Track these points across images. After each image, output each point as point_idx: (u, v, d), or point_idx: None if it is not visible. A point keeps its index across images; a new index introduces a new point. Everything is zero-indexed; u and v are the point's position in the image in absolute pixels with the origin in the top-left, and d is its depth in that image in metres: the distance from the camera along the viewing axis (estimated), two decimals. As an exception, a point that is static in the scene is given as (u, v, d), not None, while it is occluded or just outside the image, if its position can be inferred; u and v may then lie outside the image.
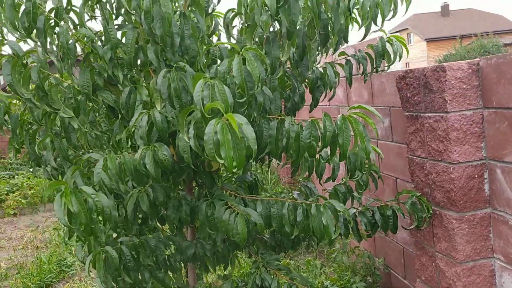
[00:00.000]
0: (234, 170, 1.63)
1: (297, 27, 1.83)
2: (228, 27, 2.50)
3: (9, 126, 2.51)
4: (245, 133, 1.47)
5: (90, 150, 2.74)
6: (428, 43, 39.32)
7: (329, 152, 2.21)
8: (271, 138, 1.99)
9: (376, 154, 2.68)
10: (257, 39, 2.02)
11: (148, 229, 2.75)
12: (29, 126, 2.58)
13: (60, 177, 2.68)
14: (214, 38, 2.70)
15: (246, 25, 2.02)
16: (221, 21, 2.55)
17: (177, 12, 1.94)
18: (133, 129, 1.95)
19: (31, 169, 10.04)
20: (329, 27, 1.97)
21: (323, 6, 1.92)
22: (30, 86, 2.22)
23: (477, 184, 2.40)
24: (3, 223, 7.45)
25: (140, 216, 2.52)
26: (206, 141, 1.51)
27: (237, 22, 2.60)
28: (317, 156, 2.36)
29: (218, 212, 2.25)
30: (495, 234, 2.41)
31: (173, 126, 2.01)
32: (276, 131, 1.99)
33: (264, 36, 1.89)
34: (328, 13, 1.92)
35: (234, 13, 2.49)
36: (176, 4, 2.10)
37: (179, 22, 1.94)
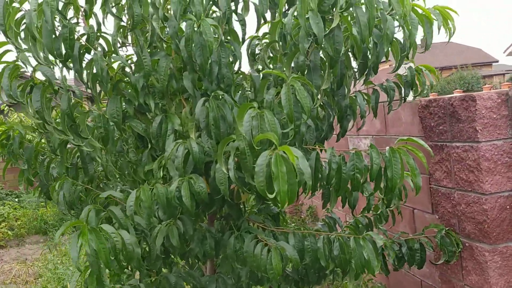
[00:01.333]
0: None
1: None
2: (253, 55, 2.46)
3: (24, 157, 2.41)
4: (301, 167, 1.40)
5: (105, 182, 2.64)
6: (409, 74, 40.03)
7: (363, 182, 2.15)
8: (310, 169, 1.92)
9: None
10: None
11: (165, 265, 2.63)
12: (44, 157, 2.47)
13: (72, 211, 2.56)
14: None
15: (283, 53, 1.98)
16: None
17: (215, 40, 1.89)
18: (167, 160, 1.87)
19: (16, 199, 9.75)
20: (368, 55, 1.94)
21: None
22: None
23: (509, 215, 2.36)
24: (-11, 256, 7.15)
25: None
26: (257, 173, 1.43)
27: (257, 50, 2.57)
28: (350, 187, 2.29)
29: (247, 245, 2.15)
30: (528, 266, 2.35)
31: (208, 157, 1.93)
32: (315, 162, 1.92)
33: (306, 65, 1.84)
34: (369, 43, 1.89)
35: (259, 40, 2.46)
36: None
37: (216, 50, 1.89)
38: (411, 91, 2.43)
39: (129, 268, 2.45)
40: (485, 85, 27.04)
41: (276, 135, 1.52)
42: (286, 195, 1.44)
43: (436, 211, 2.76)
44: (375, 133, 3.72)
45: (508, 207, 2.36)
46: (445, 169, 2.61)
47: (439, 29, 1.94)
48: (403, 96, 2.45)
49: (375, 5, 1.68)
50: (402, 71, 2.59)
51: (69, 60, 1.79)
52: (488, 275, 2.37)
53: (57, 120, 2.11)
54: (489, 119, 2.33)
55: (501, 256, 2.36)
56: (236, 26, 2.22)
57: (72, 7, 2.11)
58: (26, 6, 1.92)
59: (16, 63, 1.89)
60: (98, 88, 2.03)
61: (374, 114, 2.59)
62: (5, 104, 9.70)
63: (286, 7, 2.22)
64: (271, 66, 2.17)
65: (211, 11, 2.33)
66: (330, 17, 1.86)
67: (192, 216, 1.97)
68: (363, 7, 1.72)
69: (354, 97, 2.36)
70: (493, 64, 40.38)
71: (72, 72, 1.86)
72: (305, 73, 1.85)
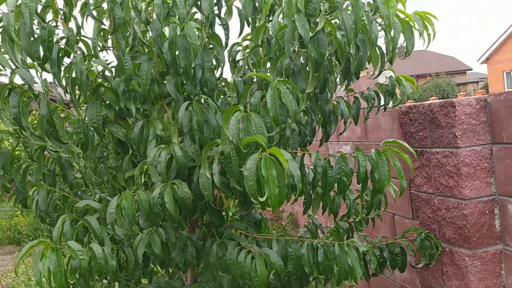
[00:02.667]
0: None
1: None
2: (234, 61, 2.45)
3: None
4: (290, 170, 1.39)
5: (83, 189, 2.58)
6: (386, 82, 40.70)
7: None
8: (299, 171, 1.91)
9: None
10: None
11: (144, 275, 2.57)
12: (21, 163, 2.40)
13: (48, 219, 2.49)
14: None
15: (267, 57, 1.97)
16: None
17: (199, 44, 1.87)
18: (150, 165, 1.83)
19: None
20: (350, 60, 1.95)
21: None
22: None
23: (488, 220, 2.39)
24: (-41, 268, 6.92)
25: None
26: (246, 177, 1.41)
27: (238, 56, 2.56)
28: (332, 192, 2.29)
29: (230, 253, 2.12)
30: (507, 270, 2.38)
31: (191, 162, 1.91)
32: (300, 166, 1.91)
33: (291, 68, 1.84)
34: (352, 47, 1.90)
35: (240, 46, 2.46)
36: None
37: (200, 54, 1.87)
38: (391, 99, 2.46)
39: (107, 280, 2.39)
40: (460, 93, 27.62)
41: (264, 137, 1.51)
42: (277, 199, 1.43)
43: (416, 217, 2.78)
44: (355, 139, 3.74)
45: (487, 212, 2.39)
46: (425, 175, 2.63)
47: (421, 34, 1.96)
48: (383, 104, 2.47)
49: (361, 8, 1.69)
50: (382, 80, 2.62)
51: (47, 63, 1.75)
52: (469, 279, 2.39)
53: (34, 125, 2.06)
54: (468, 125, 2.36)
55: (480, 260, 2.39)
56: (220, 31, 2.22)
57: (51, 10, 2.06)
58: (4, 8, 1.87)
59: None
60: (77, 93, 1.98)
61: (355, 121, 2.61)
62: None
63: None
64: (254, 71, 2.16)
65: (193, 16, 2.32)
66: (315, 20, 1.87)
67: (175, 222, 1.94)
68: (348, 11, 1.73)
69: (336, 103, 2.36)
70: (467, 72, 41.33)
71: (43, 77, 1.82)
72: (290, 76, 1.84)
